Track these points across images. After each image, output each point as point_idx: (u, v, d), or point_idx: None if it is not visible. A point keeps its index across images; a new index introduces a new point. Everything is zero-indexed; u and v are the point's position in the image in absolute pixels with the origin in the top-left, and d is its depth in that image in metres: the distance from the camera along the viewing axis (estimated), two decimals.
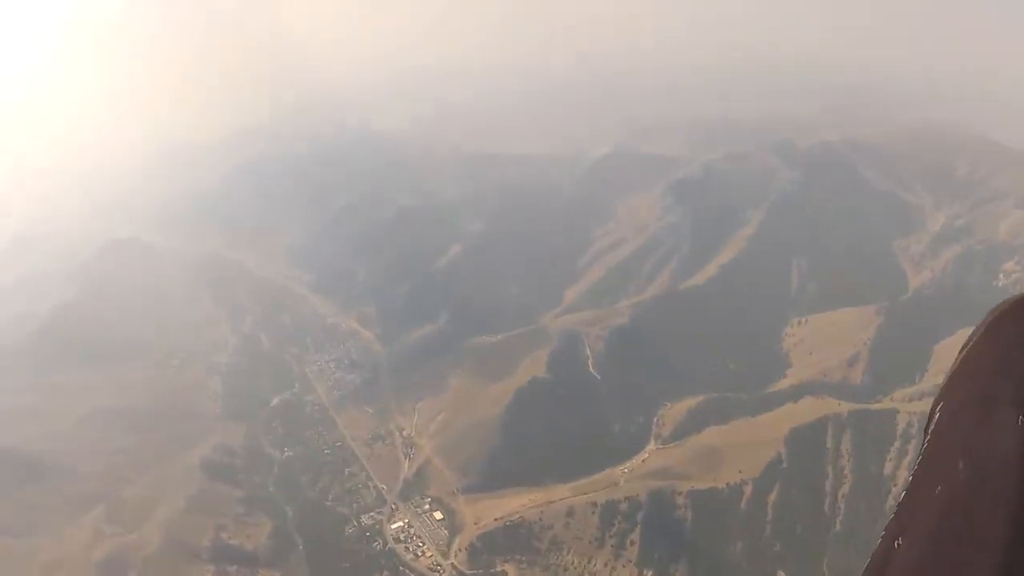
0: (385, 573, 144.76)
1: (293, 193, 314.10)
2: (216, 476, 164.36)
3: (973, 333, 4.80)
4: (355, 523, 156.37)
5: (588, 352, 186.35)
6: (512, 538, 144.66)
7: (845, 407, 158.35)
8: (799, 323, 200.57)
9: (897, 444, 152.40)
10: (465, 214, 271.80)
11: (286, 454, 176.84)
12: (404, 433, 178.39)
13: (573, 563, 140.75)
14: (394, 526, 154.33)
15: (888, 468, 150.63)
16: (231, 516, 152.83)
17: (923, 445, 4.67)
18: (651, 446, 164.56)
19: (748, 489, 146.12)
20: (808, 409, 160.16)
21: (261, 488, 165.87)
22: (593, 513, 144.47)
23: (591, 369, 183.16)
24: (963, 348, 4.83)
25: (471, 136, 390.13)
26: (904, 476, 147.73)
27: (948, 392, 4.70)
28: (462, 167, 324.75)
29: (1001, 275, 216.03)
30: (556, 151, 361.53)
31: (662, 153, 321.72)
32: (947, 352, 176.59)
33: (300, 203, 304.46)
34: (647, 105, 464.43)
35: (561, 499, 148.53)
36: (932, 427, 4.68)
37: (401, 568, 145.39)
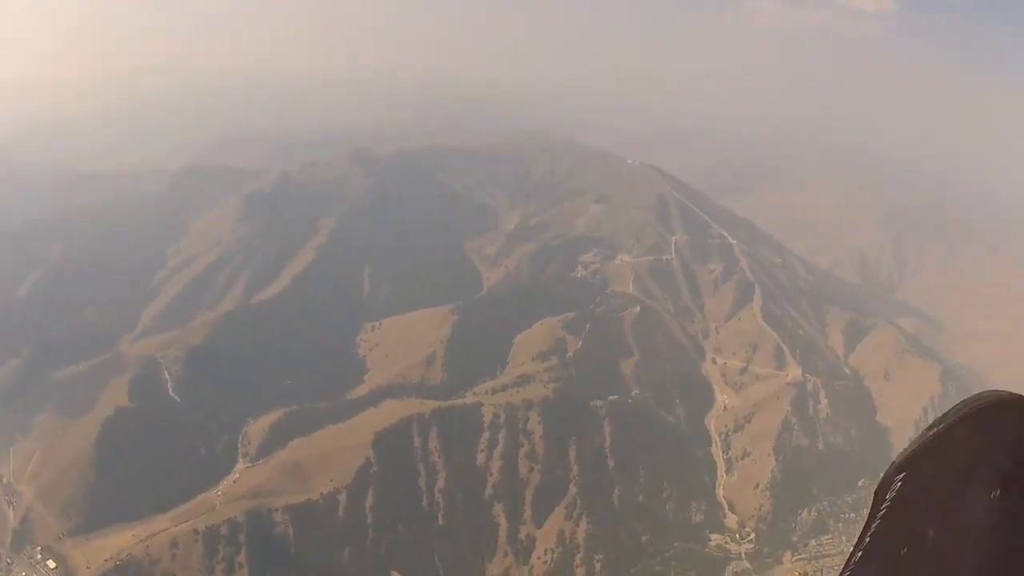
0: None
1: None
2: None
3: (946, 416, 5.15)
4: None
5: (167, 375, 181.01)
6: None
7: (428, 406, 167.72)
8: (373, 328, 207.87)
9: (486, 435, 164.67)
10: (46, 237, 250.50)
11: None
12: (3, 480, 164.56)
13: None
14: None
15: (480, 459, 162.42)
16: None
17: (881, 509, 5.00)
18: (240, 465, 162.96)
19: (343, 497, 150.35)
20: (391, 412, 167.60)
21: None
22: (197, 541, 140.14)
23: (171, 393, 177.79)
24: (932, 427, 5.17)
25: (58, 154, 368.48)
26: (499, 465, 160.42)
27: (913, 464, 5.07)
28: (45, 187, 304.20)
29: (579, 266, 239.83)
30: (142, 166, 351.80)
31: (240, 165, 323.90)
32: (525, 343, 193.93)
33: None
34: (233, 118, 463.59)
35: (164, 530, 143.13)
36: (893, 493, 5.04)
37: None
